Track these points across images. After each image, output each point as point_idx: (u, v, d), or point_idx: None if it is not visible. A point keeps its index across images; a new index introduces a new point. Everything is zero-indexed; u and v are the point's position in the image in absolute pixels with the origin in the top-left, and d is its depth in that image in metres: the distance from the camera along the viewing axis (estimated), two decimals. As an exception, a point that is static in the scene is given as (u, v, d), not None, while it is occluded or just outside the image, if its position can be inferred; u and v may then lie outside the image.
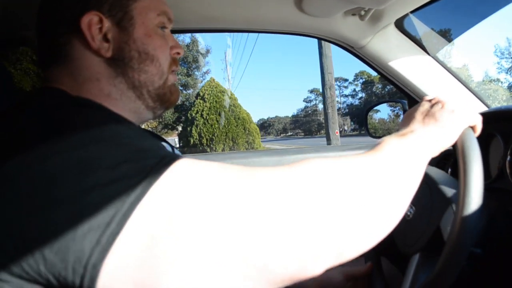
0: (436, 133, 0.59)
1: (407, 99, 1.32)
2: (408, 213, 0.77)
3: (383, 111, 1.39)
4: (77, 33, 0.58)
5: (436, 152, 0.58)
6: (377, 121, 1.48)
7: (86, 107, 0.54)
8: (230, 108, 12.12)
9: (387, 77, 1.29)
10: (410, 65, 1.24)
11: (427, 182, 0.73)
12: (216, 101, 12.91)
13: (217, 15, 1.13)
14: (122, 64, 0.61)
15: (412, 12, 1.13)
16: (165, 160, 0.40)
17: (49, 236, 0.36)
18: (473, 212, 0.53)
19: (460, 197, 0.55)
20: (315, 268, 0.41)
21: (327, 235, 0.41)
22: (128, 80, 0.62)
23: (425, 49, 1.24)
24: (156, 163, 0.39)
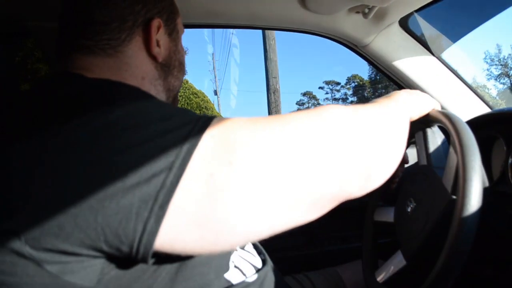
0: (409, 99, 0.67)
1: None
2: (408, 208, 0.76)
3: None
4: (141, 33, 0.63)
5: (414, 113, 0.68)
6: None
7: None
8: (201, 111, 12.03)
9: (390, 76, 1.28)
10: (413, 65, 1.23)
11: (429, 178, 0.72)
12: (187, 103, 12.69)
13: (221, 10, 1.12)
14: (166, 69, 0.68)
15: (416, 11, 1.12)
16: (205, 116, 0.44)
17: (110, 185, 0.37)
18: (472, 214, 0.53)
19: (458, 199, 0.54)
20: (351, 189, 0.48)
21: (353, 163, 0.47)
22: (166, 83, 0.69)
23: (429, 49, 1.23)
24: (199, 116, 0.44)
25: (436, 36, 1.25)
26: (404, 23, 1.19)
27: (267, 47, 7.97)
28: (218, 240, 0.41)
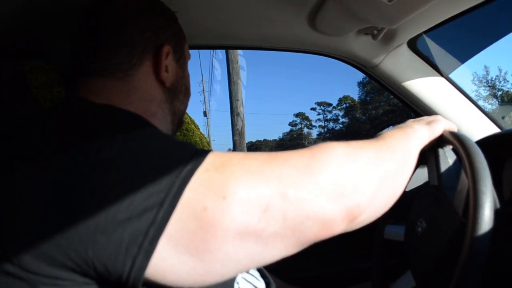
0: (423, 126, 0.68)
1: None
2: (419, 229, 0.75)
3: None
4: (151, 58, 0.66)
5: (425, 140, 0.66)
6: None
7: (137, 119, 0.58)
8: (182, 132, 11.84)
9: (400, 97, 1.28)
10: (422, 85, 1.23)
11: (440, 199, 0.71)
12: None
13: (231, 32, 1.14)
14: (173, 94, 0.71)
15: (425, 32, 1.13)
16: (200, 150, 0.45)
17: (102, 219, 0.38)
18: (482, 241, 0.52)
19: (469, 225, 0.54)
20: (335, 229, 0.46)
21: (340, 206, 0.46)
22: (172, 107, 0.71)
23: (438, 69, 1.24)
24: (195, 150, 0.45)
25: (444, 56, 1.26)
26: (412, 44, 1.21)
27: (231, 70, 7.99)
28: (210, 271, 0.41)
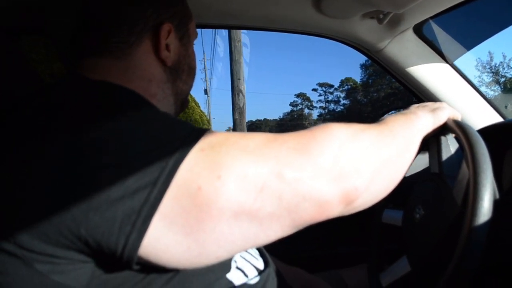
0: (427, 113, 0.67)
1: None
2: (417, 215, 0.76)
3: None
4: (151, 37, 0.64)
5: (428, 127, 0.66)
6: None
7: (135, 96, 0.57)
8: None
9: (403, 82, 1.27)
10: (427, 72, 1.22)
11: (440, 186, 0.72)
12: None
13: (236, 12, 1.13)
14: (175, 73, 0.69)
15: (431, 17, 1.11)
16: (197, 129, 0.45)
17: (95, 198, 0.38)
18: (481, 226, 0.53)
19: (467, 215, 0.54)
20: (332, 212, 0.46)
21: (339, 188, 0.45)
22: (174, 87, 0.70)
23: (443, 56, 1.22)
24: (192, 129, 0.44)
25: (450, 43, 1.25)
26: (418, 29, 1.19)
27: (233, 49, 7.86)
28: (204, 251, 0.41)
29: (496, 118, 1.21)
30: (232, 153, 0.42)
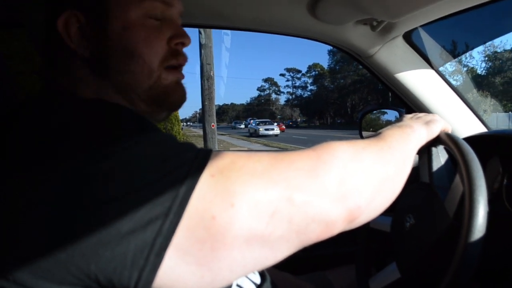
0: (422, 126, 0.68)
1: (405, 110, 1.33)
2: (407, 224, 0.78)
3: (391, 115, 1.38)
4: (57, 35, 0.55)
5: (423, 140, 0.67)
6: (384, 122, 1.48)
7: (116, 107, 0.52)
8: None
9: (392, 89, 1.29)
10: (413, 77, 1.24)
11: (430, 197, 0.74)
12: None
13: (226, 12, 1.10)
14: (101, 64, 0.56)
15: (421, 26, 1.13)
16: (202, 151, 0.43)
17: (104, 232, 0.36)
18: (477, 241, 0.55)
19: (463, 230, 0.56)
20: (336, 229, 0.46)
21: (343, 208, 0.46)
22: (113, 83, 0.57)
23: (430, 63, 1.24)
24: (197, 152, 0.43)
25: (438, 49, 1.27)
26: (408, 36, 1.20)
27: (202, 33, 7.78)
28: (217, 278, 0.41)
29: (478, 124, 1.25)
30: (242, 178, 0.41)
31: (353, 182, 0.47)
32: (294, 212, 0.42)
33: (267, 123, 37.11)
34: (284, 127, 44.90)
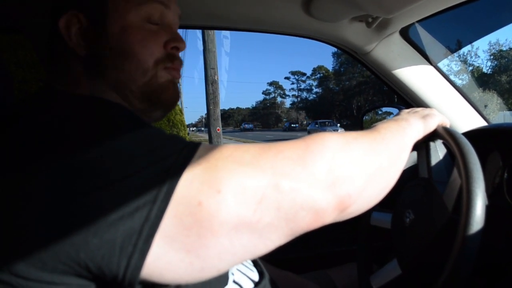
0: (418, 120, 0.69)
1: (405, 106, 1.32)
2: (407, 219, 0.77)
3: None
4: (58, 35, 0.58)
5: (419, 134, 0.67)
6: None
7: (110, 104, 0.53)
8: None
9: (389, 85, 1.29)
10: (412, 73, 1.24)
11: (429, 192, 0.73)
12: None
13: (223, 13, 1.10)
14: (97, 63, 0.58)
15: (418, 21, 1.12)
16: (191, 144, 0.44)
17: (93, 220, 0.37)
18: (475, 233, 0.54)
19: (461, 224, 0.56)
20: (326, 219, 0.46)
21: (334, 197, 0.46)
22: (107, 80, 0.58)
23: (427, 58, 1.24)
24: (185, 144, 0.44)
25: (434, 44, 1.26)
26: (404, 32, 1.20)
27: (206, 38, 7.81)
28: (206, 266, 0.41)
29: (478, 119, 1.24)
30: (229, 166, 0.42)
31: (343, 170, 0.47)
32: (281, 199, 0.42)
33: (328, 123, 35.04)
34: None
